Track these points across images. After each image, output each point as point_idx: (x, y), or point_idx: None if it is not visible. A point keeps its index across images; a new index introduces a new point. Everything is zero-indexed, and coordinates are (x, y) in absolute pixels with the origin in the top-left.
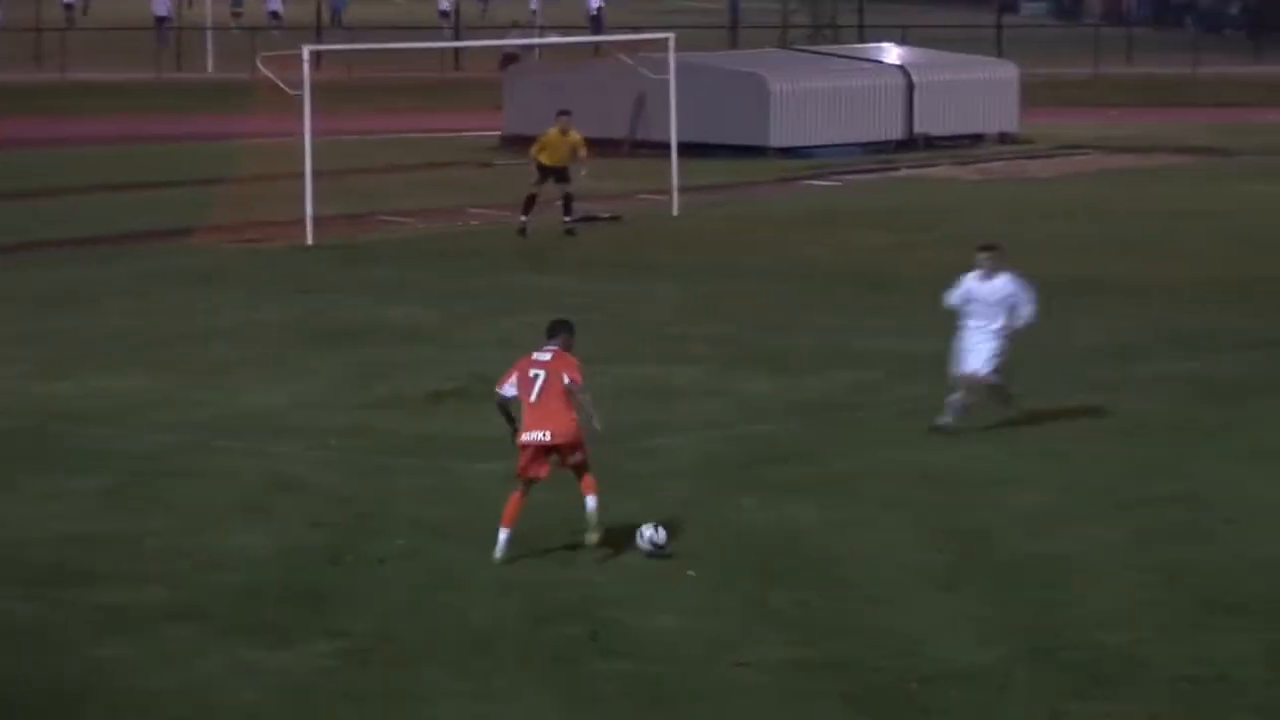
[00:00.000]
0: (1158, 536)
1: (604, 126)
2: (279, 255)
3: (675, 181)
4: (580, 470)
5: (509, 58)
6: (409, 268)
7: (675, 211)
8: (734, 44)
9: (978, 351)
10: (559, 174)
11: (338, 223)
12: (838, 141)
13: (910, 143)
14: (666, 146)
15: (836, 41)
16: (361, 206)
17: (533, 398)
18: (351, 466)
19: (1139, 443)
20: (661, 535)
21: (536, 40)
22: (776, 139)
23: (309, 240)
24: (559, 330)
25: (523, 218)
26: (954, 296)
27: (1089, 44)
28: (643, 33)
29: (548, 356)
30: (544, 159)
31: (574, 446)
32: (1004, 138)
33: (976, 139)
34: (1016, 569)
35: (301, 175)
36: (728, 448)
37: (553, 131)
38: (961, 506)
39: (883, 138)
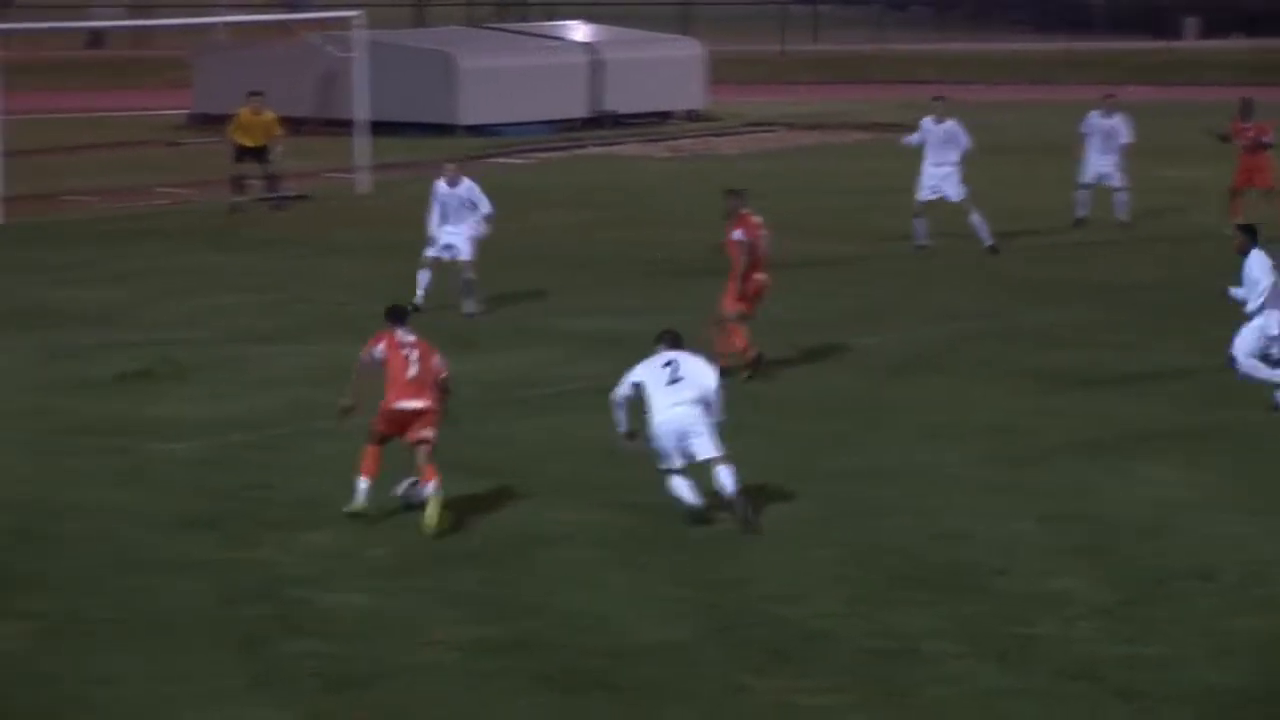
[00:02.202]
0: (843, 512)
1: (292, 105)
2: None
3: (363, 160)
4: (426, 451)
5: None
6: (97, 247)
7: (363, 190)
8: (421, 21)
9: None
10: (258, 154)
11: (25, 202)
12: (526, 119)
13: (598, 120)
14: (354, 125)
15: (524, 19)
16: (49, 186)
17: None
18: (33, 447)
19: (825, 418)
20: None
21: (224, 19)
22: (465, 117)
23: None
24: None
25: (234, 199)
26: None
27: (775, 21)
28: (331, 11)
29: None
30: (241, 140)
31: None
32: (691, 115)
33: (664, 117)
34: (703, 546)
35: None
36: None
37: (244, 112)
38: (646, 482)
39: (570, 115)
